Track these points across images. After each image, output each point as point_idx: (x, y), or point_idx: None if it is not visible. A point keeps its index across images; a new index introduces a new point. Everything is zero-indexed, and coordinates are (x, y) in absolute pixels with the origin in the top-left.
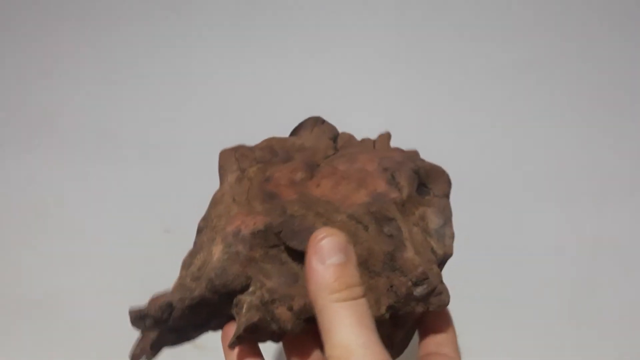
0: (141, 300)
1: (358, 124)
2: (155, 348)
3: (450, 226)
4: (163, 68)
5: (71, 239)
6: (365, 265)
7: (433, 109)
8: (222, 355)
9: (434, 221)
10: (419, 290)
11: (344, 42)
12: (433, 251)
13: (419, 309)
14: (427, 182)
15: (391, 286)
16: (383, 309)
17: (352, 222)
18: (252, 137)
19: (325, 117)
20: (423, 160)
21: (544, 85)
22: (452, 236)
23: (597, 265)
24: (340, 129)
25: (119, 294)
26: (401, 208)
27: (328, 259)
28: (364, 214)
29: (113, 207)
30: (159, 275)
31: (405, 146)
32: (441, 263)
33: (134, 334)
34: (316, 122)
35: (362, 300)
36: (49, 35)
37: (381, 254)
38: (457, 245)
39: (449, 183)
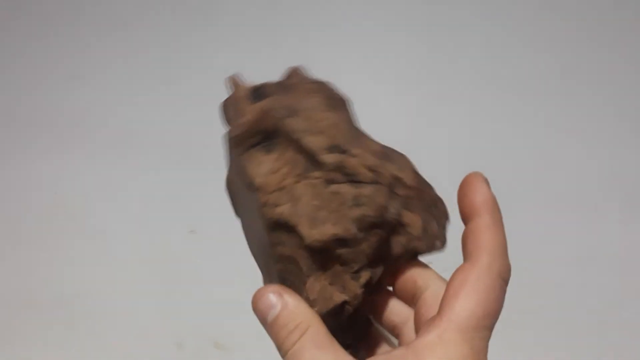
0: (166, 300)
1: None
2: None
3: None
4: (191, 73)
5: (98, 240)
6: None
7: (455, 118)
8: (243, 355)
9: None
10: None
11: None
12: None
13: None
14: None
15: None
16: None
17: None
18: None
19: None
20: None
21: (567, 96)
22: None
23: (623, 275)
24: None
25: (144, 293)
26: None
27: (268, 318)
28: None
29: (139, 208)
30: (184, 275)
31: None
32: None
33: (159, 333)
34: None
35: (310, 330)
36: (80, 41)
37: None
38: None
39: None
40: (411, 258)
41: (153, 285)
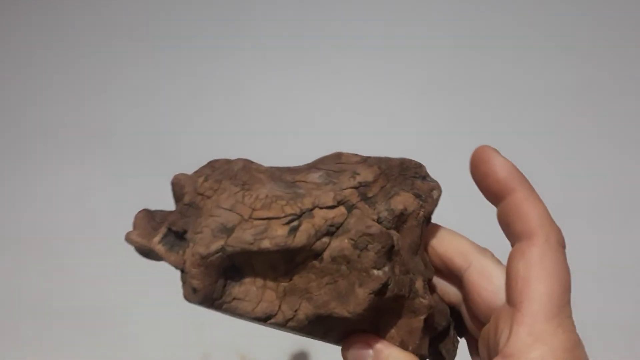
0: (192, 312)
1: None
2: None
3: None
4: (215, 90)
5: (123, 248)
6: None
7: (460, 125)
8: None
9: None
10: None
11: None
12: None
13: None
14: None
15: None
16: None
17: None
18: (286, 145)
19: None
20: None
21: (577, 105)
22: None
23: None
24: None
25: (170, 304)
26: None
27: None
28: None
29: None
30: None
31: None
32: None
33: (185, 345)
34: None
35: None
36: (107, 56)
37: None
38: None
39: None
40: (427, 224)
41: (179, 296)
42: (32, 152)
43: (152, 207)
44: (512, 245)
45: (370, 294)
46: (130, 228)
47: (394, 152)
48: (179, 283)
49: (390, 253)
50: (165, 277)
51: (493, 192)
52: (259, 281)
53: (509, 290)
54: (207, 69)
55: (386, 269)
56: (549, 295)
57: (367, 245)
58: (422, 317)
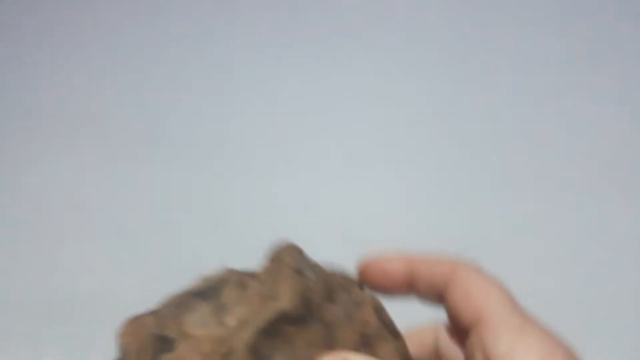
0: None
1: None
2: None
3: None
4: (205, 71)
5: (114, 240)
6: None
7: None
8: None
9: None
10: None
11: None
12: None
13: None
14: None
15: None
16: None
17: None
18: (293, 136)
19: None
20: None
21: (581, 87)
22: None
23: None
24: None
25: (161, 295)
26: None
27: None
28: None
29: (157, 207)
30: (201, 270)
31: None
32: None
33: None
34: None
35: None
36: (92, 40)
37: None
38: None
39: None
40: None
41: (174, 285)
42: (16, 141)
43: (143, 198)
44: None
45: None
46: (120, 214)
47: (394, 148)
48: (174, 273)
49: None
50: (158, 268)
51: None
52: None
53: (463, 314)
54: (201, 54)
55: None
56: (501, 296)
57: None
58: None
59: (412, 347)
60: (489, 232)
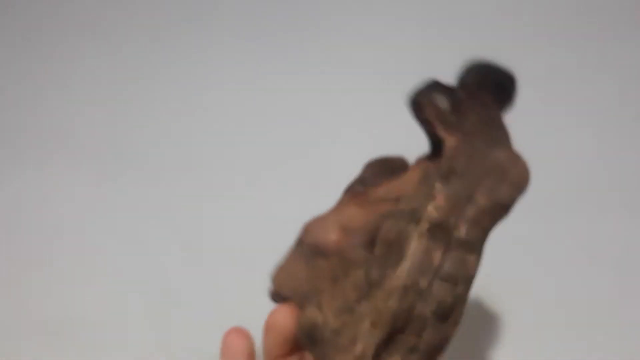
0: (159, 324)
1: None
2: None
3: None
4: (180, 87)
5: (87, 259)
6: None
7: None
8: None
9: None
10: None
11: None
12: None
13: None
14: None
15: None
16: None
17: None
18: (267, 151)
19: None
20: None
21: (575, 92)
22: None
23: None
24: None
25: (136, 316)
26: None
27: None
28: None
29: (129, 225)
30: (179, 296)
31: None
32: None
33: (149, 359)
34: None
35: None
36: (65, 51)
37: None
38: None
39: None
40: None
41: (146, 305)
42: None
43: (110, 210)
44: None
45: None
46: (91, 232)
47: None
48: (146, 293)
49: None
50: (133, 285)
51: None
52: None
53: None
54: (173, 64)
55: None
56: None
57: None
58: None
59: None
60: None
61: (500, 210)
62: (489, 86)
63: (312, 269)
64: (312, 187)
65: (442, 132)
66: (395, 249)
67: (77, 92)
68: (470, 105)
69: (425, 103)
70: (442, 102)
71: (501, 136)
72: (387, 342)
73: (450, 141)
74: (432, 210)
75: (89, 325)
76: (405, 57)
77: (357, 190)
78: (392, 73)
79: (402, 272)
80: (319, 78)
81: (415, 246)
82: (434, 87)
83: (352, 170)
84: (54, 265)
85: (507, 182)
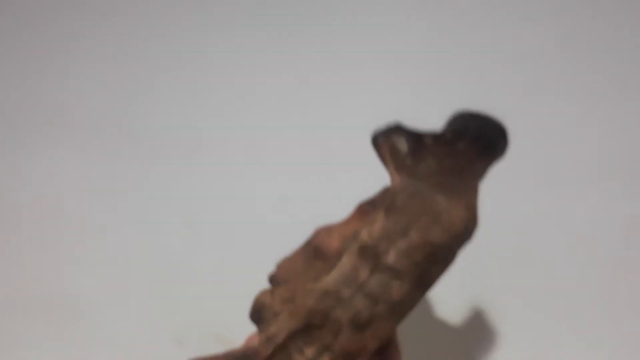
0: (164, 296)
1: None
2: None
3: None
4: (181, 63)
5: (90, 236)
6: None
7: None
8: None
9: None
10: None
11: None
12: None
13: None
14: None
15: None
16: None
17: None
18: (271, 128)
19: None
20: None
21: (573, 67)
22: None
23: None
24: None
25: (140, 293)
26: None
27: None
28: None
29: (133, 202)
30: (182, 273)
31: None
32: None
33: (158, 331)
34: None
35: None
36: (66, 31)
37: None
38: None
39: None
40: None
41: (149, 283)
42: None
43: (114, 190)
44: None
45: None
46: (95, 212)
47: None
48: (150, 270)
49: None
50: (138, 263)
51: None
52: None
53: None
54: (174, 42)
55: None
56: None
57: None
58: None
59: None
60: (490, 226)
61: (431, 248)
62: (471, 137)
63: (307, 266)
64: (314, 167)
65: (391, 170)
66: (336, 260)
67: (79, 70)
68: (435, 151)
69: (382, 143)
70: (401, 144)
71: (457, 185)
72: (306, 333)
73: (395, 179)
74: (365, 234)
75: (93, 303)
76: (412, 43)
77: (365, 210)
78: (398, 64)
79: (330, 279)
80: (323, 55)
81: (345, 260)
82: (395, 130)
83: (353, 153)
84: (58, 243)
85: (440, 225)
